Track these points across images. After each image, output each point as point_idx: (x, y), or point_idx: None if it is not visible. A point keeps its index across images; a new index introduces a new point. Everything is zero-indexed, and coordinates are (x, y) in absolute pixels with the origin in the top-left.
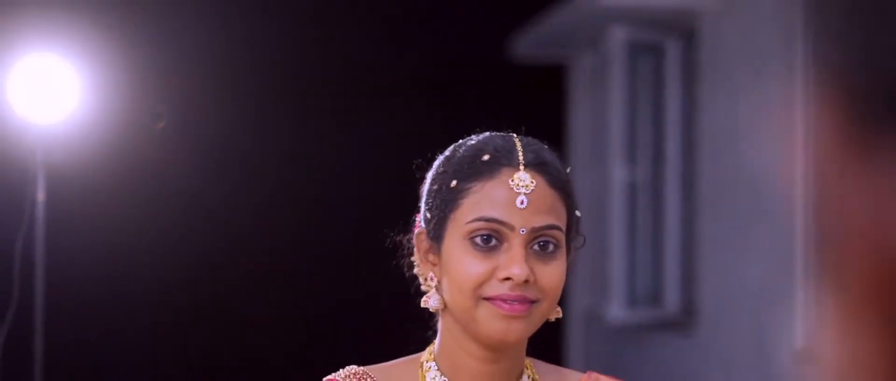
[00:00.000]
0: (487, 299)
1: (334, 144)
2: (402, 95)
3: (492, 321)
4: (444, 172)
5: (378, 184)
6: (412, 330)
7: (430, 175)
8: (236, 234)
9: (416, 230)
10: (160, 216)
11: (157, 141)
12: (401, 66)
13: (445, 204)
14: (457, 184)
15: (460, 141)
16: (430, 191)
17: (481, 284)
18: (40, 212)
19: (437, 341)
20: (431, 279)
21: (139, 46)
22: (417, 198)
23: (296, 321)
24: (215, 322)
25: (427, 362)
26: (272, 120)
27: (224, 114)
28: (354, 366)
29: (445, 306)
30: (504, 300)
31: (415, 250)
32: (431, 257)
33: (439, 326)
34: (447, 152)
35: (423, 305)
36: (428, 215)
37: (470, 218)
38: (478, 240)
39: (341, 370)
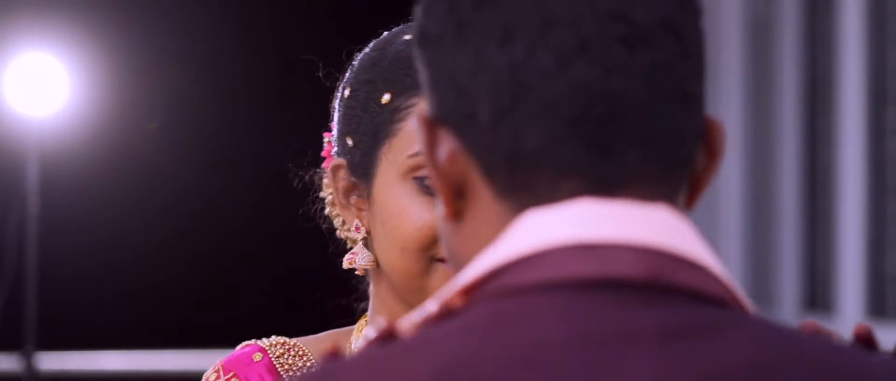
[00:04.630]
0: (443, 259)
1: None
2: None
3: None
4: (369, 80)
5: None
6: (332, 301)
7: (347, 81)
8: (218, 211)
9: (331, 162)
10: (144, 196)
11: (143, 131)
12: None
13: (376, 129)
14: (391, 99)
15: (389, 33)
16: (349, 106)
17: (435, 240)
18: (34, 194)
19: (368, 311)
20: (357, 230)
21: (125, 46)
22: None
23: (279, 303)
24: (203, 295)
25: (356, 339)
26: (260, 113)
27: (210, 107)
28: (282, 337)
29: (378, 265)
30: None
31: (330, 187)
32: (355, 200)
33: (370, 291)
34: (370, 50)
35: (346, 266)
36: (349, 142)
37: (415, 149)
38: (428, 180)
39: (265, 338)
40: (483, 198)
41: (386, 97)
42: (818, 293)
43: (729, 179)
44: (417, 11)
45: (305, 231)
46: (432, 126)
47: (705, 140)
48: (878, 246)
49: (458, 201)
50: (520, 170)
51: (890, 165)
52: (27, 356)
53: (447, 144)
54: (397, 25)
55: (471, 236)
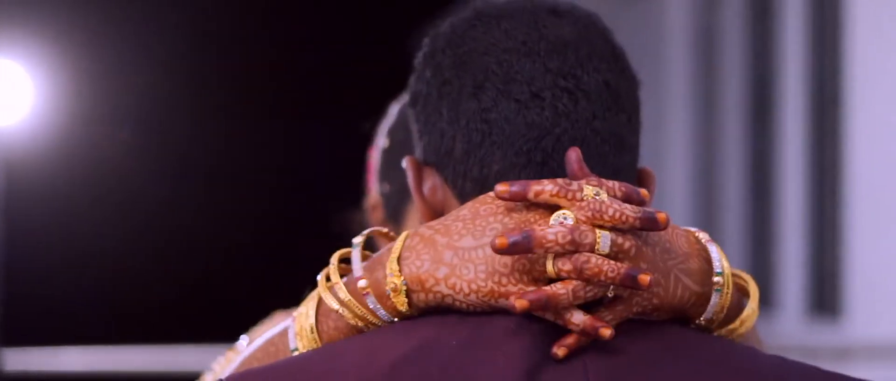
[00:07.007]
0: None
1: (289, 140)
2: (375, 98)
3: None
4: (404, 141)
5: (349, 183)
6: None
7: (387, 132)
8: (181, 212)
9: (371, 200)
10: (108, 198)
11: (107, 136)
12: (374, 67)
13: (408, 186)
14: None
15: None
16: (386, 157)
17: None
18: (0, 193)
19: None
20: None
21: (88, 54)
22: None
23: (243, 301)
24: (167, 294)
25: None
26: (220, 118)
27: (171, 112)
28: None
29: None
30: None
31: (370, 220)
32: (387, 232)
33: None
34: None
35: None
36: (385, 188)
37: None
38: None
39: None
40: None
41: None
42: (761, 290)
43: (675, 179)
44: (411, 79)
45: (269, 231)
46: (419, 167)
47: (639, 184)
48: (819, 244)
49: None
50: (486, 190)
51: (830, 166)
52: None
53: (430, 180)
54: (356, 39)
55: None
